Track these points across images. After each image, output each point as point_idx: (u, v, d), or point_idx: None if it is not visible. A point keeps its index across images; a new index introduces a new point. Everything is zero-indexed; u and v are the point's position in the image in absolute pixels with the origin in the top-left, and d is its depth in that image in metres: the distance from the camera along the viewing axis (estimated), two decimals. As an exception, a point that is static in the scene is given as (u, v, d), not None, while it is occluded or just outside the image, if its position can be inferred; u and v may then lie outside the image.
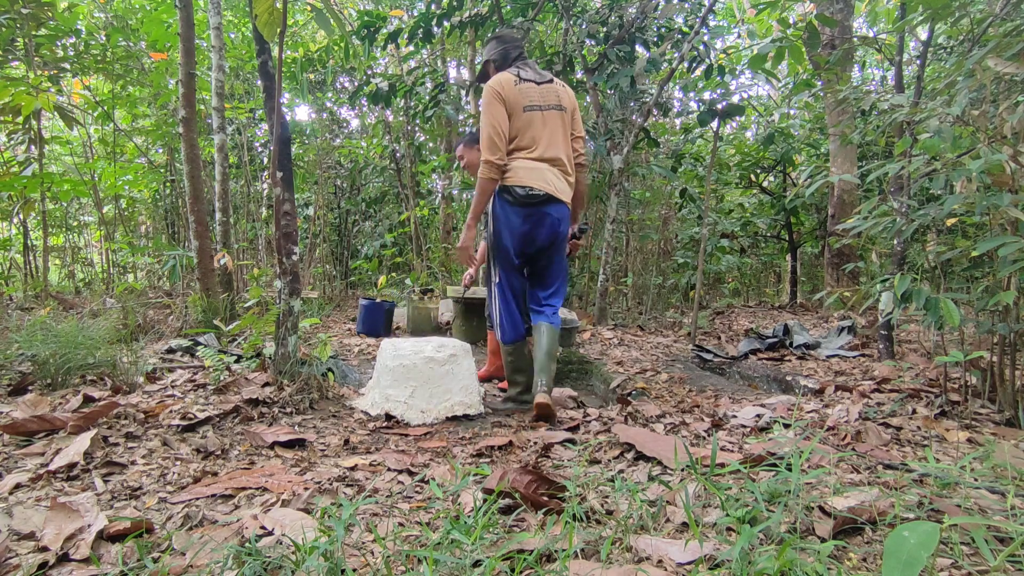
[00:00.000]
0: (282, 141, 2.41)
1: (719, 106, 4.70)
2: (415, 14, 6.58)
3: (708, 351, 4.08)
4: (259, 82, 3.41)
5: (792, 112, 8.22)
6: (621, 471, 1.55)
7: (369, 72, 7.18)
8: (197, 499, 1.39)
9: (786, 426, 1.94)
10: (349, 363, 3.53)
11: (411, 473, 1.61)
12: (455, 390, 2.44)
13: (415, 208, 7.27)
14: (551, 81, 2.48)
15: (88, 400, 2.15)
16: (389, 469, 1.65)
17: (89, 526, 1.19)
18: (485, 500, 1.27)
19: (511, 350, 2.53)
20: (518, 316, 2.57)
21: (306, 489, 1.43)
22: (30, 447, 1.68)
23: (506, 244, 2.44)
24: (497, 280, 2.53)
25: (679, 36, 5.33)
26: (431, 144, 8.68)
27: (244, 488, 1.45)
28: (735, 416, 2.13)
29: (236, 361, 2.74)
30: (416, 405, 2.38)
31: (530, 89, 2.41)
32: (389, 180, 8.27)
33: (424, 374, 2.43)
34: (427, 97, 6.12)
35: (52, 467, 1.51)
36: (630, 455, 1.68)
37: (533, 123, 2.39)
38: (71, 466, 1.53)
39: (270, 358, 2.54)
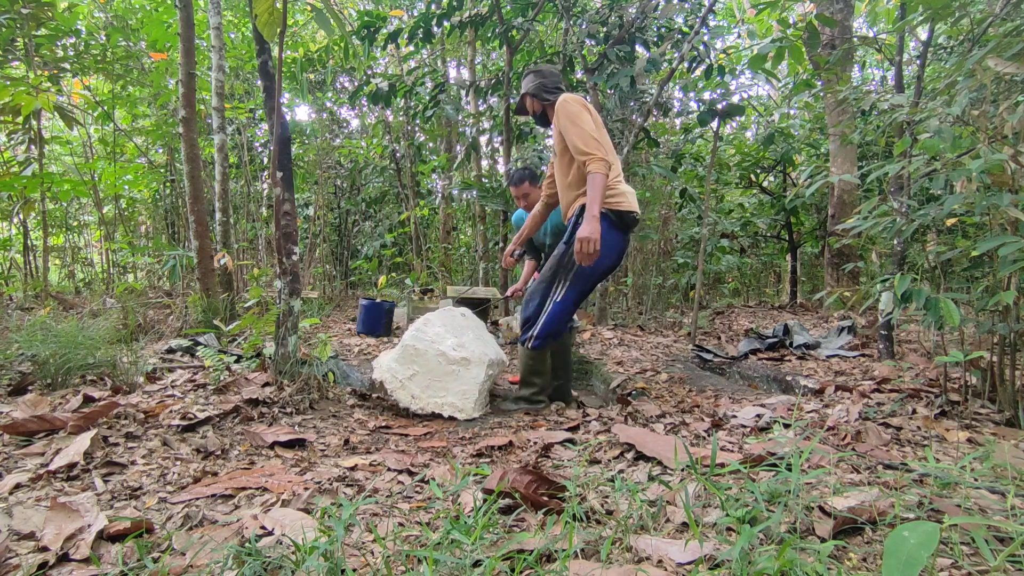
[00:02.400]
0: (282, 141, 2.41)
1: (719, 106, 4.70)
2: (415, 14, 6.58)
3: (708, 351, 4.08)
4: (259, 82, 3.41)
5: (792, 112, 8.22)
6: (621, 471, 1.55)
7: (369, 72, 7.18)
8: (197, 499, 1.39)
9: (786, 426, 1.94)
10: (349, 363, 3.53)
11: (411, 473, 1.61)
12: (452, 391, 2.46)
13: (415, 208, 7.27)
14: None
15: (88, 400, 2.15)
16: (389, 469, 1.65)
17: (89, 526, 1.19)
18: (485, 500, 1.27)
19: (536, 354, 2.57)
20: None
21: (306, 489, 1.43)
22: (30, 447, 1.68)
23: (610, 265, 2.42)
24: (571, 295, 2.46)
25: (679, 36, 5.33)
26: (431, 144, 8.68)
27: (244, 488, 1.45)
28: (735, 416, 2.13)
29: (236, 361, 2.74)
30: (411, 389, 2.44)
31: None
32: (389, 180, 8.27)
33: (430, 364, 2.47)
34: (427, 97, 6.13)
35: (52, 467, 1.51)
36: (630, 455, 1.68)
37: (610, 142, 2.37)
38: (71, 466, 1.53)
39: (270, 358, 2.54)
